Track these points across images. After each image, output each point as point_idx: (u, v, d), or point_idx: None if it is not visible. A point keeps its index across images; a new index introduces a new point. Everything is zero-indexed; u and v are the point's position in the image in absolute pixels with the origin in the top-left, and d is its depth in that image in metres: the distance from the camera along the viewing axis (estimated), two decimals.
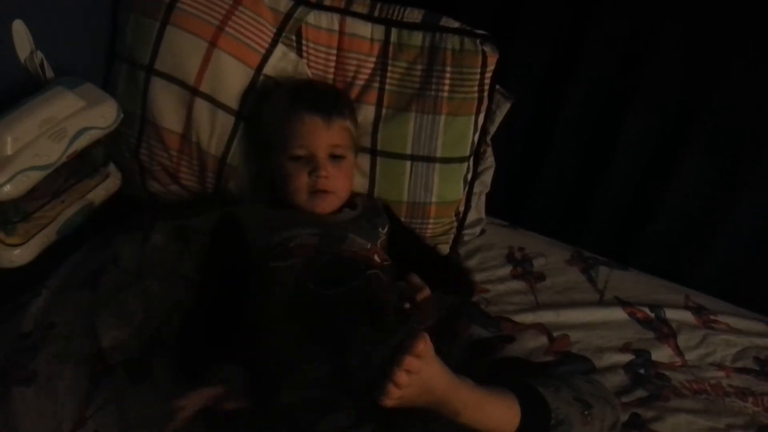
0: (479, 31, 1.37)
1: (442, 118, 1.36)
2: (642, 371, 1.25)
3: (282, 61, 1.35)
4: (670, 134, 1.49)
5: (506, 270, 1.44)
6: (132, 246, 1.31)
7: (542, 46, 1.51)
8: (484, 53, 1.35)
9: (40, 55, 1.21)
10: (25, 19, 1.17)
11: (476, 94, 1.37)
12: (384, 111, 1.37)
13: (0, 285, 1.23)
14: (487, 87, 1.38)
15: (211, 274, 1.20)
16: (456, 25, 1.37)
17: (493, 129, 1.47)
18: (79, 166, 1.26)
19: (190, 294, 1.21)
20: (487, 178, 1.51)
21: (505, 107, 1.45)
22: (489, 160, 1.51)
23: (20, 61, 1.19)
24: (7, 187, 1.08)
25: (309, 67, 1.38)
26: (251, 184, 1.38)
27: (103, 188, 1.33)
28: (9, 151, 1.09)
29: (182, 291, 1.23)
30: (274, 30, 1.36)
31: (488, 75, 1.37)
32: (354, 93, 1.38)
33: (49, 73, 1.23)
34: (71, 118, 1.17)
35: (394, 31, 1.37)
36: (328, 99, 1.26)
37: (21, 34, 1.18)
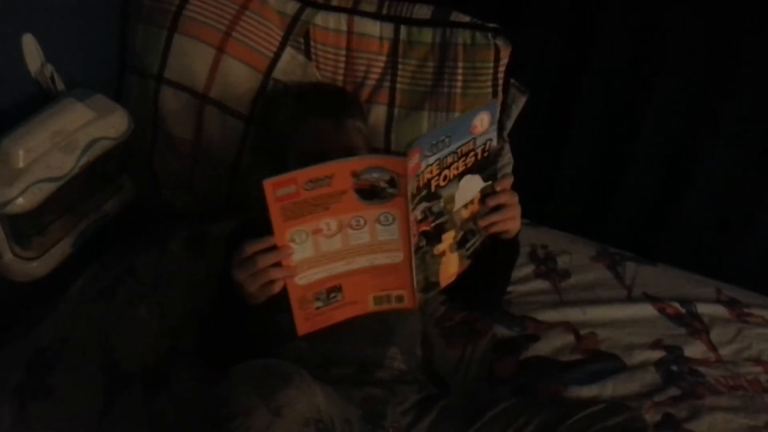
0: (491, 25, 1.34)
1: (456, 115, 1.33)
2: (674, 368, 1.20)
3: (291, 65, 1.34)
4: (694, 124, 1.45)
5: (529, 269, 1.39)
6: (148, 257, 1.31)
7: (557, 37, 1.48)
8: (496, 47, 1.33)
9: (50, 67, 1.21)
10: (35, 32, 1.18)
11: (490, 89, 1.35)
12: (396, 111, 1.36)
13: (17, 298, 1.23)
14: (501, 81, 1.36)
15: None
16: (466, 19, 1.35)
17: (509, 124, 1.44)
18: (93, 178, 1.25)
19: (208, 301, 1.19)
20: None
21: (521, 101, 1.42)
22: (507, 157, 1.47)
23: (31, 75, 1.20)
24: (20, 200, 1.08)
25: (318, 69, 1.37)
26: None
27: (118, 199, 1.32)
28: (21, 164, 1.09)
29: (199, 300, 1.21)
30: (282, 33, 1.35)
31: (501, 69, 1.35)
32: (365, 93, 1.36)
33: (60, 86, 1.23)
34: (82, 129, 1.17)
35: (403, 29, 1.35)
36: (336, 101, 1.25)
37: (31, 47, 1.18)
